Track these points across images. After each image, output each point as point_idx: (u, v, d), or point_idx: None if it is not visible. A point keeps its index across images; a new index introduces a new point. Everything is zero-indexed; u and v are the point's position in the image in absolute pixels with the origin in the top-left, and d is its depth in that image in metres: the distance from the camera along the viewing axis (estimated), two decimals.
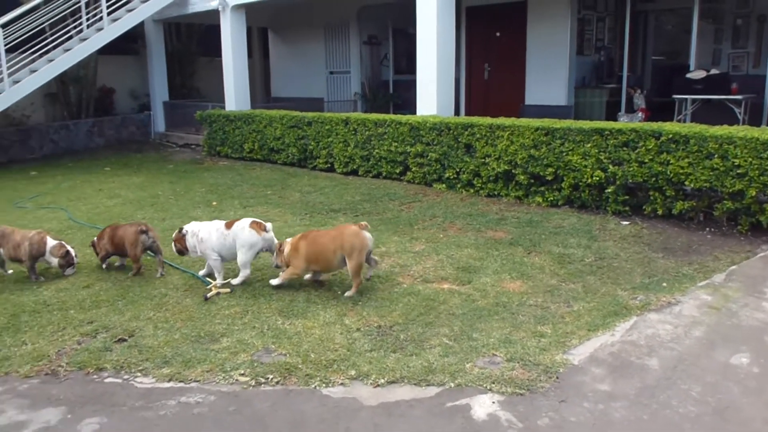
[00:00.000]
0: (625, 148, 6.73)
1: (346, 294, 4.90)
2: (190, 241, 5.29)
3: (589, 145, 6.97)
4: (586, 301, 4.67)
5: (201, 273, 5.50)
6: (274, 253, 5.17)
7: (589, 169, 6.97)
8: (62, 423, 3.35)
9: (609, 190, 6.87)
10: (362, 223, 5.02)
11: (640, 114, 10.81)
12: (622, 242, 6.02)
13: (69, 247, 5.63)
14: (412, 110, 9.77)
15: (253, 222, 5.16)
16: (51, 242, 5.55)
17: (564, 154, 7.18)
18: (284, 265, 5.07)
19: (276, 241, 5.23)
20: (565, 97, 11.68)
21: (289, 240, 5.10)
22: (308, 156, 10.65)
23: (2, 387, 3.74)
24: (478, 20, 12.92)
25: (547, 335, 4.10)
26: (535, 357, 3.79)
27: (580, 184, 7.11)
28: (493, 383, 3.52)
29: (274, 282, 5.10)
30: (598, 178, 6.90)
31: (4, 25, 11.64)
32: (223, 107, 13.42)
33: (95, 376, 3.83)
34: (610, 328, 4.18)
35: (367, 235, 4.91)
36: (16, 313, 4.80)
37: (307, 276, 5.20)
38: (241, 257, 5.14)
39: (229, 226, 5.19)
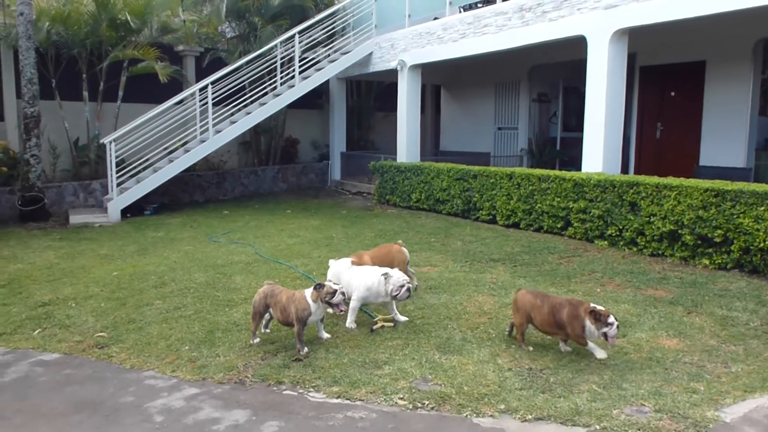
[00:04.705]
0: None
1: None
2: None
3: (762, 208, 6.75)
4: (746, 363, 4.60)
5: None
6: None
7: (761, 233, 6.73)
8: (248, 423, 3.97)
9: None
10: (399, 242, 6.92)
11: None
12: None
13: (331, 285, 5.09)
14: (579, 167, 9.90)
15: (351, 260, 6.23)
16: (308, 294, 5.06)
17: (735, 216, 7.00)
18: None
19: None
20: (744, 159, 11.18)
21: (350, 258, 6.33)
22: (472, 207, 11.09)
23: (201, 389, 4.48)
24: (651, 79, 12.80)
25: (699, 392, 4.14)
26: (685, 411, 3.86)
27: (752, 247, 6.87)
28: (639, 430, 3.66)
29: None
30: None
31: (213, 83, 13.43)
32: (395, 159, 14.30)
33: (275, 388, 4.46)
34: None
35: (405, 251, 6.69)
36: (211, 330, 5.63)
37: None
38: None
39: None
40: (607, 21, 9.27)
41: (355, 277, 5.74)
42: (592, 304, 4.63)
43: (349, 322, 5.64)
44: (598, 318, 4.52)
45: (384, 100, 18.82)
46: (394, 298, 5.51)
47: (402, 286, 5.42)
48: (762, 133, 11.55)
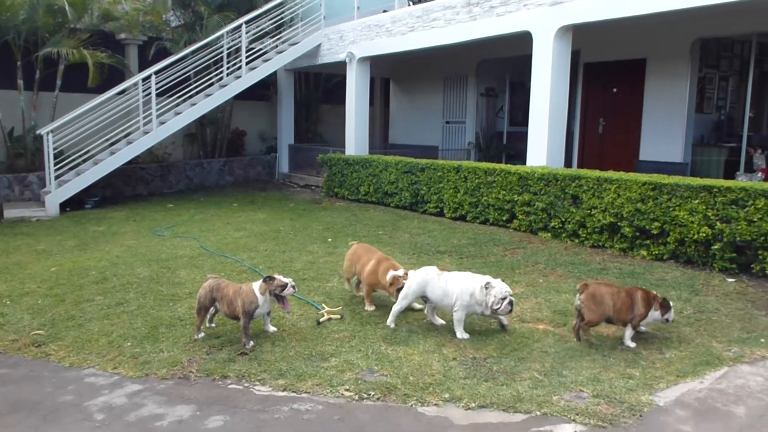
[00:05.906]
0: (733, 206, 6.73)
1: None
2: None
3: (696, 201, 7.01)
4: (679, 350, 4.78)
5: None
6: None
7: (695, 225, 7.00)
8: (193, 418, 3.92)
9: (716, 247, 6.86)
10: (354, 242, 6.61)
11: (759, 174, 10.55)
12: (725, 298, 6.02)
13: (281, 279, 5.03)
14: (525, 161, 10.07)
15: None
16: (256, 287, 5.04)
17: (671, 209, 7.25)
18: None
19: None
20: (681, 154, 11.57)
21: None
22: (419, 200, 11.18)
23: (143, 386, 4.39)
24: (595, 76, 13.12)
25: (635, 377, 4.28)
26: (621, 395, 4.00)
27: (686, 239, 7.13)
28: (577, 415, 3.77)
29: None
30: (704, 235, 6.91)
31: (156, 72, 13.13)
32: (343, 151, 14.28)
33: (220, 382, 4.41)
34: (699, 376, 4.31)
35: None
36: (155, 325, 5.52)
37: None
38: None
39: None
40: (552, 17, 9.45)
41: (452, 284, 5.12)
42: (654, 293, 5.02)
43: (460, 334, 5.10)
44: (667, 306, 4.89)
45: (333, 92, 18.73)
46: (495, 312, 4.98)
47: (504, 298, 4.91)
48: (698, 129, 12.00)
